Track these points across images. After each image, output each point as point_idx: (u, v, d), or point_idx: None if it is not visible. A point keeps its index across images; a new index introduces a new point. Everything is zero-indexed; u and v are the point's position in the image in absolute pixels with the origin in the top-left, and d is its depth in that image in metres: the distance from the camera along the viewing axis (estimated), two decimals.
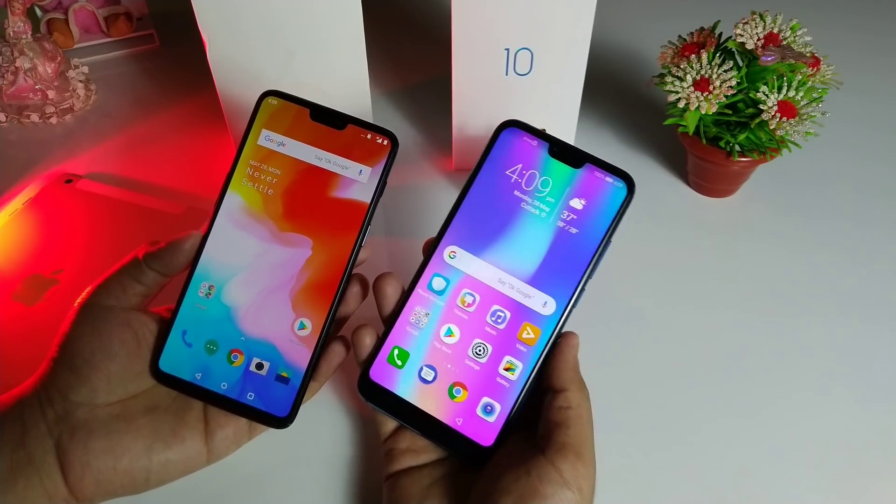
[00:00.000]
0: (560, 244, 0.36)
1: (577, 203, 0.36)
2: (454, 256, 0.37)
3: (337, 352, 0.38)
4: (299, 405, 0.36)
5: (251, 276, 0.37)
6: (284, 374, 0.36)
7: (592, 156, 0.37)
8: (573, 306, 0.36)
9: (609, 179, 0.36)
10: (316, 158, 0.37)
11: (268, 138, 0.38)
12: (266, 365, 0.36)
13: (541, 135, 0.37)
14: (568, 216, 0.36)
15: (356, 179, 0.37)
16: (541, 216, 0.36)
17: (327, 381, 0.39)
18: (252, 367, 0.36)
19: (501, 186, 0.37)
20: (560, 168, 0.37)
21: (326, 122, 0.37)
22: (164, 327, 0.37)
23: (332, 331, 0.37)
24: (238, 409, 0.36)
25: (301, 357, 0.36)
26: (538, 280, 0.36)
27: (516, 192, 0.37)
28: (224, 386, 0.36)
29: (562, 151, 0.37)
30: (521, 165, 0.37)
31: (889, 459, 0.42)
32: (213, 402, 0.36)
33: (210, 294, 0.37)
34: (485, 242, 0.37)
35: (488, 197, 0.37)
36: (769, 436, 0.43)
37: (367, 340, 0.36)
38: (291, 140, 0.37)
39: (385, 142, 0.37)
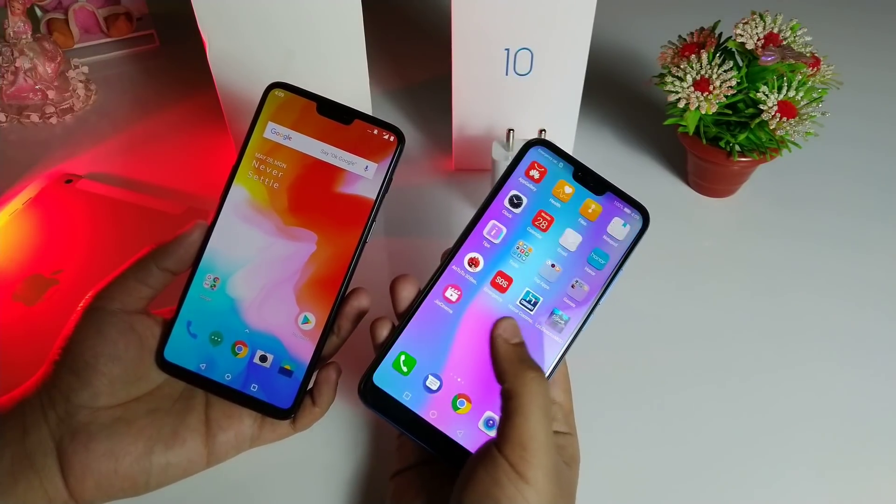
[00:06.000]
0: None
1: None
2: (471, 266, 0.37)
3: (328, 381, 0.37)
4: (302, 398, 0.37)
5: (256, 269, 0.37)
6: (288, 367, 0.37)
7: (614, 185, 0.37)
8: (582, 326, 0.36)
9: (627, 210, 0.37)
10: (322, 153, 0.37)
11: (274, 131, 0.37)
12: (270, 357, 0.37)
13: (567, 157, 0.37)
14: None
15: (362, 175, 0.37)
16: None
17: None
18: (256, 360, 0.37)
19: None
20: (582, 193, 0.37)
21: (333, 116, 0.37)
22: (169, 322, 0.37)
23: (334, 328, 0.37)
24: (242, 401, 0.37)
25: (304, 351, 0.37)
26: (552, 298, 0.36)
27: None
28: (228, 377, 0.37)
29: (585, 177, 0.37)
30: None
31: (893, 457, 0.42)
32: (218, 392, 0.37)
33: (215, 286, 0.37)
34: (503, 256, 0.37)
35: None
36: (771, 435, 0.43)
37: (384, 332, 0.36)
38: (297, 134, 0.37)
39: (391, 138, 0.37)
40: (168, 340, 0.37)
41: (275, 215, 0.37)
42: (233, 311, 0.37)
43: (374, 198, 0.37)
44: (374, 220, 0.37)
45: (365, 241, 0.37)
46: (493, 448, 0.32)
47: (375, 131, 0.37)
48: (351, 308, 0.37)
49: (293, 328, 0.37)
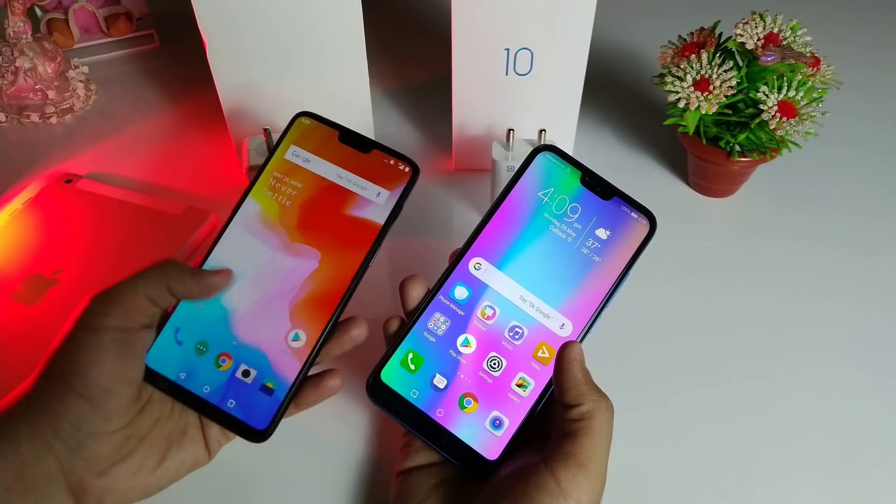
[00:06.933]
0: (582, 270, 0.37)
1: (602, 233, 0.37)
2: (479, 268, 0.37)
3: (330, 387, 0.37)
4: (279, 420, 0.35)
5: (255, 281, 0.37)
6: (269, 385, 0.35)
7: (621, 191, 0.38)
8: (588, 331, 0.36)
9: (634, 215, 0.37)
10: (337, 177, 0.38)
11: (295, 153, 0.38)
12: (253, 373, 0.36)
13: (575, 163, 0.38)
14: (592, 244, 0.37)
15: (373, 201, 0.37)
16: (567, 241, 0.37)
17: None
18: (238, 374, 0.36)
19: (532, 207, 0.38)
20: (590, 197, 0.38)
21: (353, 144, 0.38)
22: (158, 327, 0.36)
23: (323, 348, 0.37)
24: (216, 416, 0.35)
25: (290, 369, 0.36)
26: (558, 302, 0.37)
27: (546, 215, 0.37)
28: (206, 389, 0.35)
29: (593, 182, 0.38)
30: (553, 189, 0.38)
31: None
32: (192, 404, 0.35)
33: None
34: (510, 258, 0.37)
35: (519, 215, 0.38)
36: (771, 435, 0.43)
37: (395, 329, 0.37)
38: (317, 158, 0.38)
39: (406, 169, 0.38)
40: (152, 346, 0.35)
41: (282, 231, 0.37)
42: (224, 321, 0.36)
43: (381, 223, 0.37)
44: (379, 246, 0.37)
45: (368, 265, 0.37)
46: (541, 465, 0.32)
47: (392, 161, 0.38)
48: (348, 336, 0.37)
49: (282, 344, 0.36)
